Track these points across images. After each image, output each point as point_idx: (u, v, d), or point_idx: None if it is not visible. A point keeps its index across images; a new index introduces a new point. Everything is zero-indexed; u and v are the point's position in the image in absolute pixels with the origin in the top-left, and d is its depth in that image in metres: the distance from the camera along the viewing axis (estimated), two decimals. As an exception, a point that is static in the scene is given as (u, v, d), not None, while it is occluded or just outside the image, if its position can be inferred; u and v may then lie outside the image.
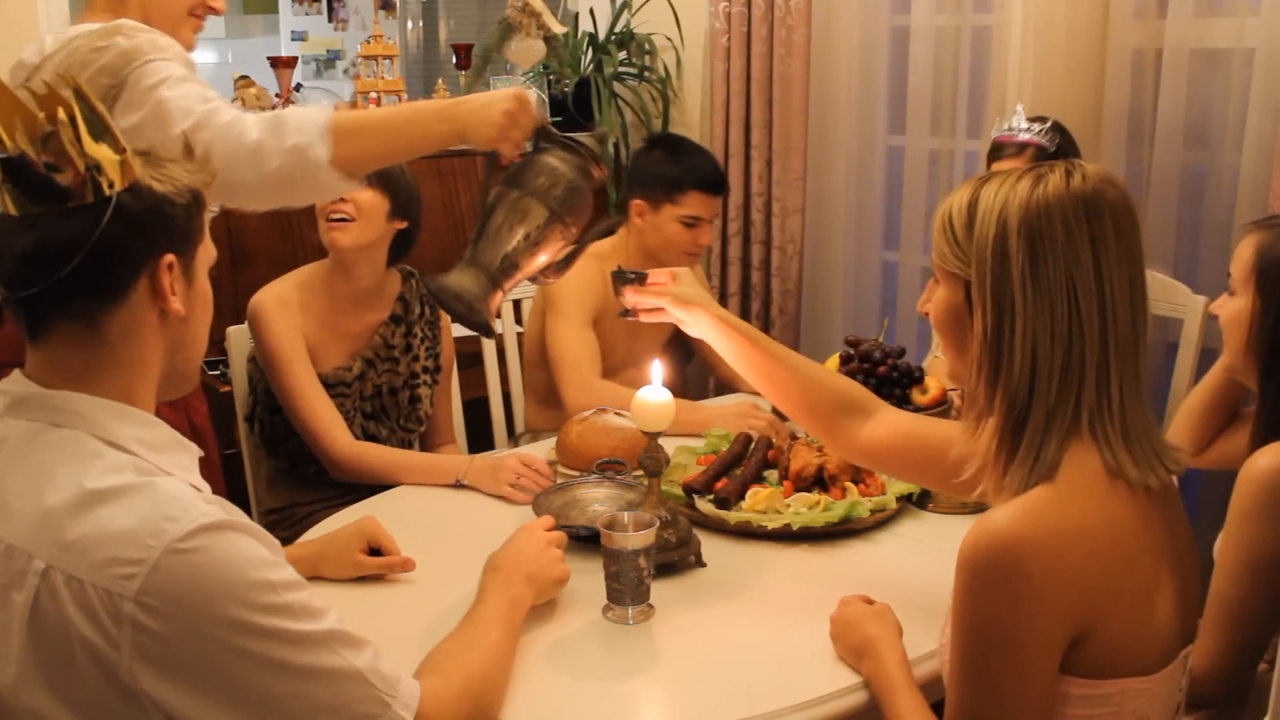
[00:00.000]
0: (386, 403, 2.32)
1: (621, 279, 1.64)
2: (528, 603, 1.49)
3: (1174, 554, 1.22)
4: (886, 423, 1.57)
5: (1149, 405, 1.22)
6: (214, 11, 1.91)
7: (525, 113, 1.63)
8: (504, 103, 1.62)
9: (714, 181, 2.56)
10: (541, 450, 2.19)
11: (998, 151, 2.52)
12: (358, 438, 2.25)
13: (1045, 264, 1.16)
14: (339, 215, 2.19)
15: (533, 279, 1.65)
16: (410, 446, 2.36)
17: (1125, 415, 1.18)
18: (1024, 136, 2.47)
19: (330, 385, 2.22)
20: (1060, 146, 2.46)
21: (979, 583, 1.14)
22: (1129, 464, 1.17)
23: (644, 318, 1.67)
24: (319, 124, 1.62)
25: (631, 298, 1.65)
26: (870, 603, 1.49)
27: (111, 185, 1.06)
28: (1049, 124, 2.49)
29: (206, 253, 1.20)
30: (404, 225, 2.29)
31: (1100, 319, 1.16)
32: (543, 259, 1.60)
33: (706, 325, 1.63)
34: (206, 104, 1.64)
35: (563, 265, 1.65)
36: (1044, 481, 1.17)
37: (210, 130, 1.60)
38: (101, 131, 1.06)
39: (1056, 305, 1.16)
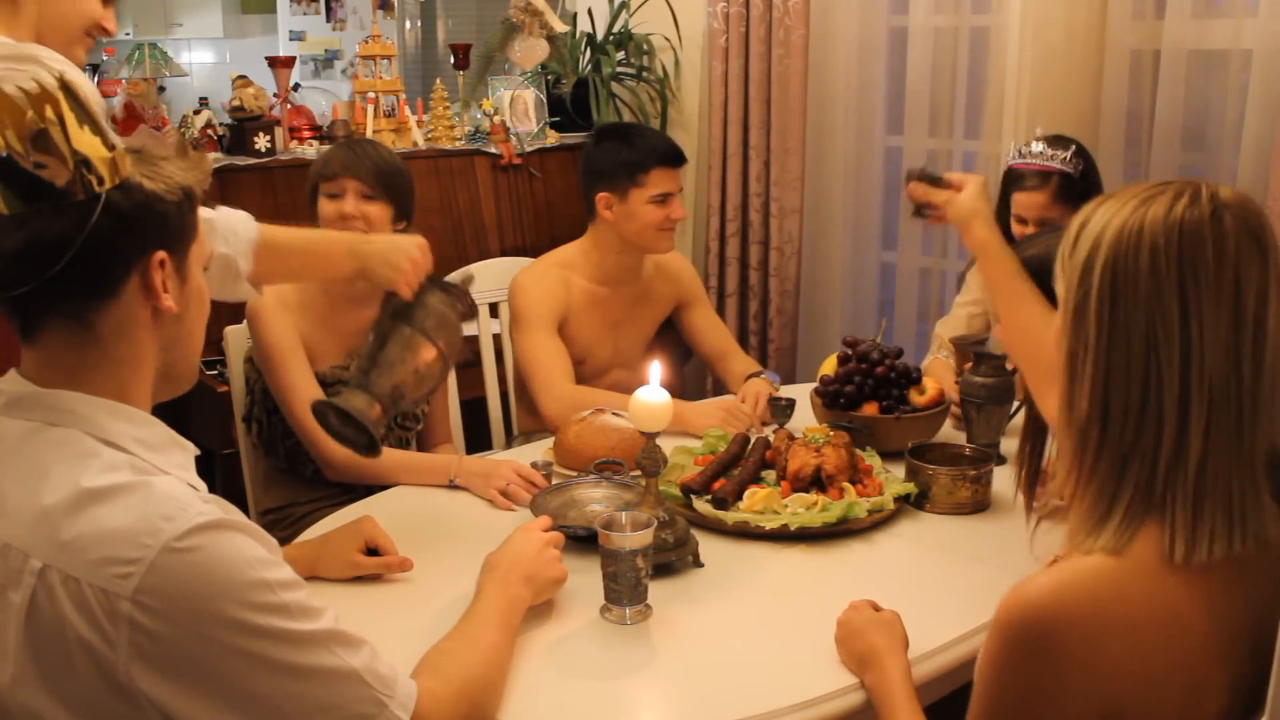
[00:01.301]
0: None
1: (917, 176, 1.78)
2: (525, 603, 1.49)
3: (1247, 636, 1.11)
4: None
5: (1255, 462, 1.10)
6: (106, 33, 1.91)
7: (426, 260, 1.79)
8: (412, 250, 1.77)
9: (673, 154, 2.55)
10: (539, 450, 2.19)
11: (1018, 181, 2.44)
12: None
13: (1123, 303, 1.07)
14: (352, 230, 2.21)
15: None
16: (407, 445, 2.36)
17: (1204, 473, 1.07)
18: (1041, 163, 2.39)
19: (328, 384, 2.22)
20: (1083, 173, 2.40)
21: (1008, 649, 1.09)
22: (1181, 534, 1.06)
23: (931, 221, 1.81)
24: (248, 240, 1.70)
25: (920, 192, 1.77)
26: (878, 609, 1.47)
27: (101, 182, 1.06)
28: (1072, 149, 2.41)
29: (201, 249, 1.20)
30: (404, 226, 2.30)
31: (1182, 366, 1.06)
32: (425, 389, 1.76)
33: (974, 243, 1.71)
34: None
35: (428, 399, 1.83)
36: (1108, 551, 1.08)
37: None
38: (91, 129, 1.06)
39: (1133, 345, 1.07)
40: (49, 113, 1.05)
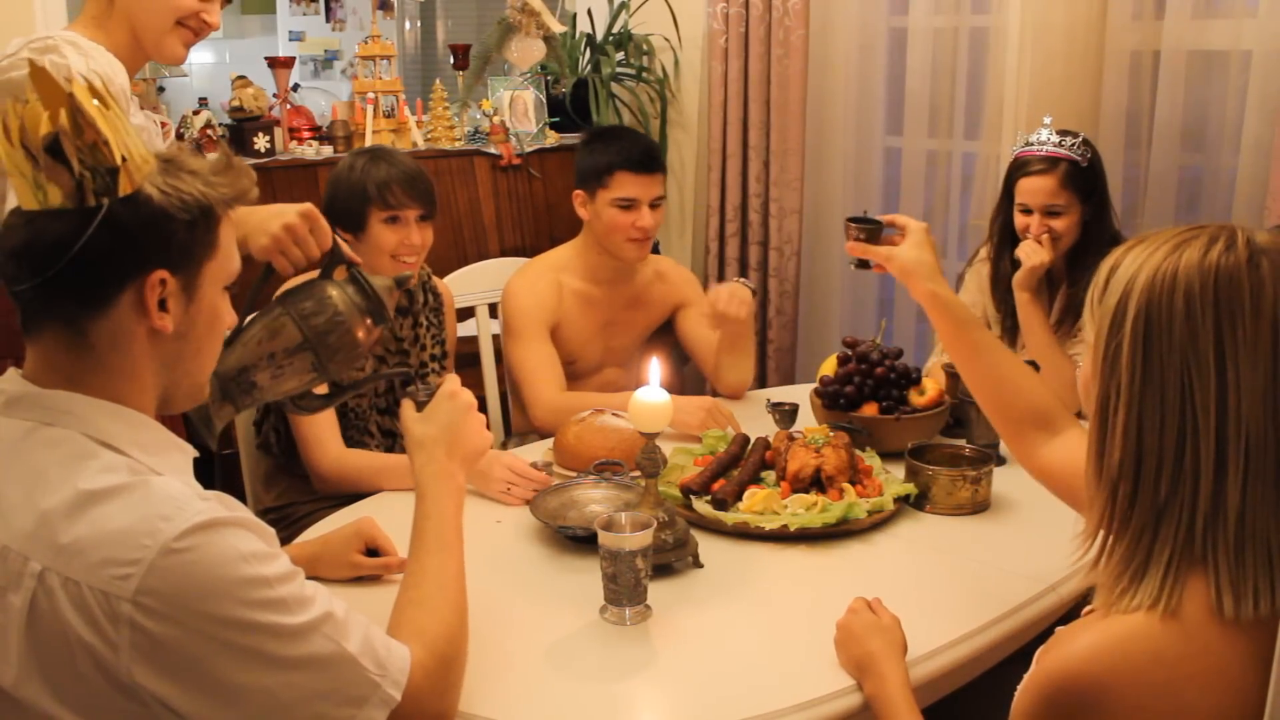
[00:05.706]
0: (400, 397, 2.32)
1: (855, 228, 1.65)
2: (464, 489, 1.43)
3: None
4: (1067, 448, 1.47)
5: None
6: (207, 26, 1.87)
7: (315, 230, 1.59)
8: (288, 216, 1.58)
9: (639, 160, 2.46)
10: (539, 450, 2.19)
11: (1024, 168, 2.40)
12: (373, 435, 2.25)
13: (1157, 347, 1.04)
14: (413, 259, 2.23)
15: (279, 406, 1.49)
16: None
17: (1244, 526, 1.03)
18: (1049, 150, 2.36)
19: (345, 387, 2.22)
20: (1090, 163, 2.38)
21: (1047, 713, 1.06)
22: (1228, 588, 1.03)
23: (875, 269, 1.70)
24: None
25: (859, 250, 1.66)
26: (877, 610, 1.47)
27: (105, 193, 1.05)
28: (1080, 138, 2.39)
29: (221, 268, 1.16)
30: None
31: (1218, 415, 1.03)
32: (288, 387, 1.47)
33: (920, 298, 1.61)
34: None
35: (313, 405, 1.54)
36: (1152, 608, 1.04)
37: None
38: (104, 138, 1.05)
39: (1167, 393, 1.04)
40: (62, 118, 1.04)
